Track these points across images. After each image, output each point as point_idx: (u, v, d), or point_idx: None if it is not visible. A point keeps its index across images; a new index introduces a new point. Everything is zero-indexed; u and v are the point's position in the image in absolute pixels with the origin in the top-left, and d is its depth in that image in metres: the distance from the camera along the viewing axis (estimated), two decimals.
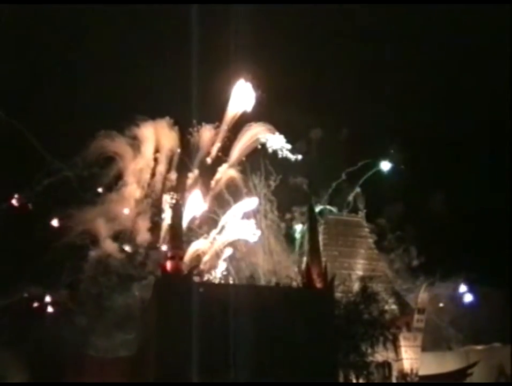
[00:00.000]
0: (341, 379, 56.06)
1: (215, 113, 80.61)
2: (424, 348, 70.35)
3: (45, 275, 70.44)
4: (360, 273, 69.52)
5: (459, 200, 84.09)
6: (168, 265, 56.93)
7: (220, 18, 77.11)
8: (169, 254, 57.51)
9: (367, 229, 77.53)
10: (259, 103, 79.99)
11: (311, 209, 67.75)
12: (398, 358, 68.09)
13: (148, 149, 78.70)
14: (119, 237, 74.94)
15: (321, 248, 68.46)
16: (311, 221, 66.38)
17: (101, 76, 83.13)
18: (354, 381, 56.94)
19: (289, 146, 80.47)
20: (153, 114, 78.22)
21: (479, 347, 72.86)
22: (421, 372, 67.62)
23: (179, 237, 59.41)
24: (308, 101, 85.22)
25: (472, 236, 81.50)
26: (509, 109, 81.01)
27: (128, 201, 75.15)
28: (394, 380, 67.30)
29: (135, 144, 78.52)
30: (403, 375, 67.19)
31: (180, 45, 74.54)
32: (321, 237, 71.35)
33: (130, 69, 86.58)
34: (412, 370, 67.47)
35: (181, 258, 57.82)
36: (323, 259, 65.34)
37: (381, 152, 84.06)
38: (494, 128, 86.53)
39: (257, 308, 51.55)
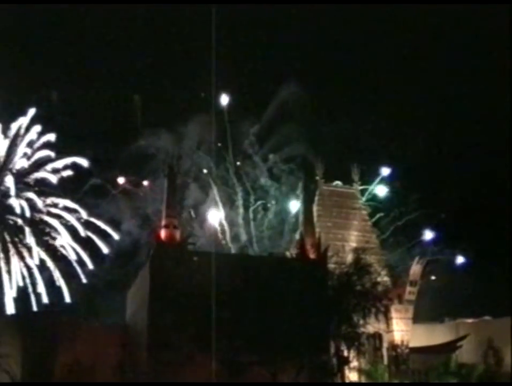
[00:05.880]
0: (332, 350, 56.40)
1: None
2: (416, 320, 70.79)
3: None
4: (353, 244, 69.27)
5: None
6: (163, 233, 57.02)
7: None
8: (163, 223, 57.54)
9: (361, 201, 77.58)
10: None
11: (305, 181, 68.03)
12: (389, 330, 68.51)
13: (190, 143, 79.99)
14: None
15: (315, 219, 68.81)
16: (306, 193, 66.60)
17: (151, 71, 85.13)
18: (345, 352, 57.16)
19: None
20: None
21: (469, 320, 73.48)
22: (411, 344, 68.17)
23: (173, 205, 59.36)
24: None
25: (468, 209, 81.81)
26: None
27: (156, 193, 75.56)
28: (385, 351, 67.87)
29: (179, 139, 79.87)
30: (393, 346, 67.71)
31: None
32: (315, 208, 71.60)
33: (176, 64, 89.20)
34: (402, 341, 67.93)
35: (175, 227, 57.80)
36: (317, 230, 65.58)
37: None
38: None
39: (250, 277, 51.45)
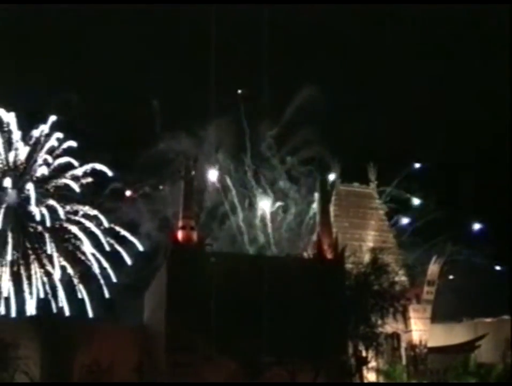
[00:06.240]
0: (350, 350, 56.37)
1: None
2: (434, 320, 70.55)
3: None
4: (370, 244, 69.42)
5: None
6: (179, 234, 57.25)
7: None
8: (180, 224, 57.78)
9: (378, 201, 77.53)
10: None
11: (323, 181, 68.03)
12: (407, 330, 68.46)
13: (210, 147, 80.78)
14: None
15: (332, 219, 68.79)
16: (323, 193, 66.61)
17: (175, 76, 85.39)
18: (363, 352, 57.09)
19: None
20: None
21: (488, 320, 72.90)
22: (429, 344, 67.93)
23: (190, 207, 59.63)
24: None
25: (485, 212, 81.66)
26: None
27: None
28: (403, 351, 67.69)
29: (199, 143, 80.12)
30: (411, 346, 67.49)
31: None
32: (332, 208, 71.64)
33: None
34: (420, 341, 67.73)
35: (192, 228, 58.05)
36: (334, 230, 65.56)
37: None
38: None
39: (268, 278, 51.41)
